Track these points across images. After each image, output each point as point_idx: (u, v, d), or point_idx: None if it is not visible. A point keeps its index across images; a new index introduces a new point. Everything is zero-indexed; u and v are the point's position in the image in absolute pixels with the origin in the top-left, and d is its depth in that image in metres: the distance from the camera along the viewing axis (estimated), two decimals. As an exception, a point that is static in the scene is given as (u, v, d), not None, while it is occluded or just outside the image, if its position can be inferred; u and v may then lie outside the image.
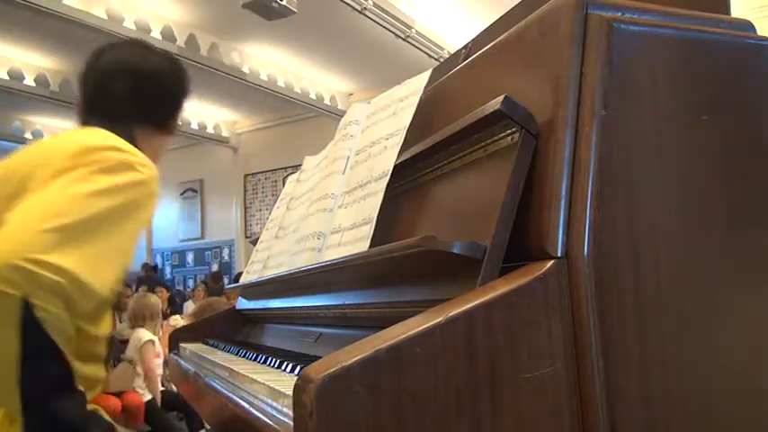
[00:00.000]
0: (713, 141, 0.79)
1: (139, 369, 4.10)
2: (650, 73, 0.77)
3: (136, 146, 1.08)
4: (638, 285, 0.71)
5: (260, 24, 5.22)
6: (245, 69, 6.24)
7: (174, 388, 4.07)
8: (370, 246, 0.95)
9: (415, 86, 1.09)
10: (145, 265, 9.76)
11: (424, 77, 1.09)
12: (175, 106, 1.35)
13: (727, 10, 0.97)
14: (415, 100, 1.05)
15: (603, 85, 0.73)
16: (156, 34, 5.46)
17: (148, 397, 4.06)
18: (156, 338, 3.89)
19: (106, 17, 5.16)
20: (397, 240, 0.80)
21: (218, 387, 1.11)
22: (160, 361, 4.09)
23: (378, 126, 1.13)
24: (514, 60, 0.88)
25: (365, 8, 4.95)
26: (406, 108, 1.06)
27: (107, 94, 1.21)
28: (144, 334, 4.00)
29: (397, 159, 1.00)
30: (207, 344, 1.71)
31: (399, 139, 1.02)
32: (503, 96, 0.74)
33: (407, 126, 1.02)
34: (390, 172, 0.99)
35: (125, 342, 4.28)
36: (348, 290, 1.08)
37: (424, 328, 0.62)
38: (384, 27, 5.29)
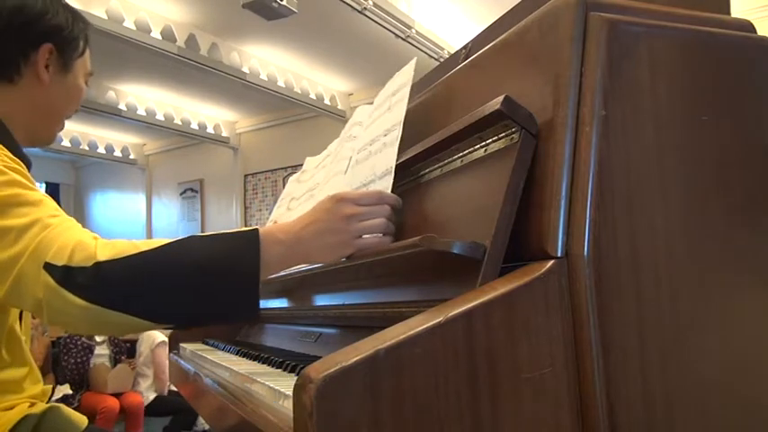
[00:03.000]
0: (713, 141, 0.79)
1: (148, 371, 4.11)
2: (650, 73, 0.77)
3: None
4: (638, 285, 0.71)
5: (260, 24, 5.22)
6: (245, 69, 6.24)
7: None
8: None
9: (404, 78, 1.09)
10: None
11: (410, 67, 1.09)
12: (22, 45, 1.06)
13: (727, 10, 0.97)
14: (407, 92, 1.05)
15: (603, 85, 0.73)
16: (155, 34, 5.46)
17: (152, 397, 4.06)
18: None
19: (106, 17, 5.15)
20: (397, 240, 0.80)
21: (218, 387, 1.11)
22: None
23: (375, 123, 1.13)
24: (514, 60, 0.88)
25: (365, 8, 4.94)
26: (400, 101, 1.06)
27: None
28: (157, 335, 4.02)
29: (397, 158, 1.00)
30: (207, 344, 1.71)
31: (397, 134, 1.02)
32: (503, 96, 0.74)
33: (402, 120, 1.02)
34: (393, 169, 0.99)
35: (126, 341, 4.29)
36: (348, 290, 1.08)
37: (424, 328, 0.62)
38: (384, 27, 5.29)
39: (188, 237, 0.85)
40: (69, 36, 1.09)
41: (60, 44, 1.08)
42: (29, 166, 1.02)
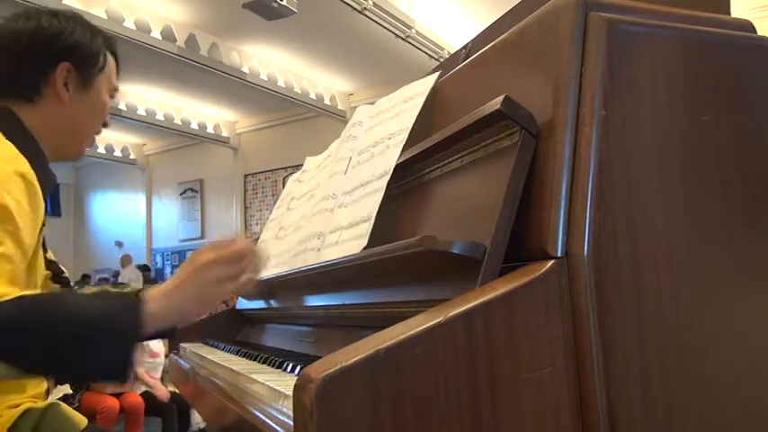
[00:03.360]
0: (713, 141, 0.79)
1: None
2: (650, 73, 0.77)
3: (22, 127, 1.03)
4: (638, 285, 0.71)
5: (260, 24, 5.23)
6: (245, 69, 6.24)
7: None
8: (371, 245, 0.95)
9: (421, 88, 1.09)
10: (139, 267, 9.78)
11: (430, 80, 1.09)
12: (40, 65, 1.07)
13: (727, 10, 0.97)
14: (420, 101, 1.05)
15: (603, 85, 0.73)
16: (156, 34, 5.47)
17: (138, 392, 4.06)
18: None
19: (106, 17, 5.16)
20: (397, 240, 0.80)
21: (218, 387, 1.11)
22: (158, 360, 4.09)
23: (381, 126, 1.13)
24: (514, 60, 0.88)
25: (365, 8, 4.95)
26: (411, 109, 1.06)
27: None
28: None
29: (398, 159, 1.00)
30: (207, 344, 1.71)
31: (402, 139, 1.02)
32: (503, 96, 0.74)
33: (410, 126, 1.03)
34: (392, 170, 0.99)
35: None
36: (348, 290, 1.08)
37: (424, 328, 0.62)
38: (384, 27, 5.30)
39: (68, 292, 0.83)
40: (88, 53, 1.10)
41: (79, 62, 1.09)
42: (52, 183, 1.04)
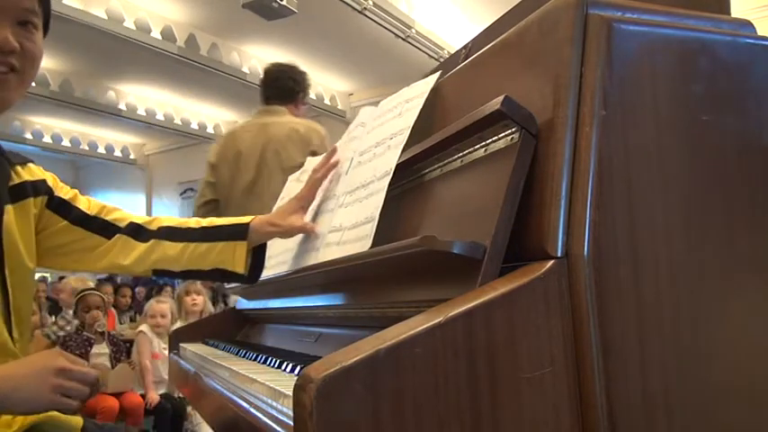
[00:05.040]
0: (713, 141, 0.79)
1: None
2: (650, 73, 0.77)
3: None
4: (637, 285, 0.71)
5: (260, 24, 5.23)
6: (245, 69, 6.25)
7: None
8: (371, 246, 0.95)
9: (422, 88, 1.09)
10: None
11: (431, 80, 1.09)
12: None
13: (727, 10, 0.97)
14: (421, 101, 1.05)
15: (603, 85, 0.73)
16: (156, 34, 5.47)
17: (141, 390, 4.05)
18: (148, 331, 3.99)
19: (106, 17, 5.16)
20: (397, 240, 0.80)
21: (218, 387, 1.11)
22: (158, 361, 4.09)
23: (383, 127, 1.13)
24: (514, 60, 0.88)
25: (365, 8, 4.95)
26: (412, 109, 1.06)
27: None
28: (144, 327, 4.06)
29: (398, 159, 1.00)
30: (207, 344, 1.71)
31: (402, 139, 1.02)
32: (503, 96, 0.74)
33: (411, 126, 1.03)
34: (393, 171, 0.99)
35: (126, 341, 4.30)
36: (348, 290, 1.08)
37: (424, 328, 0.62)
38: (384, 27, 5.30)
39: None
40: None
41: None
42: None
